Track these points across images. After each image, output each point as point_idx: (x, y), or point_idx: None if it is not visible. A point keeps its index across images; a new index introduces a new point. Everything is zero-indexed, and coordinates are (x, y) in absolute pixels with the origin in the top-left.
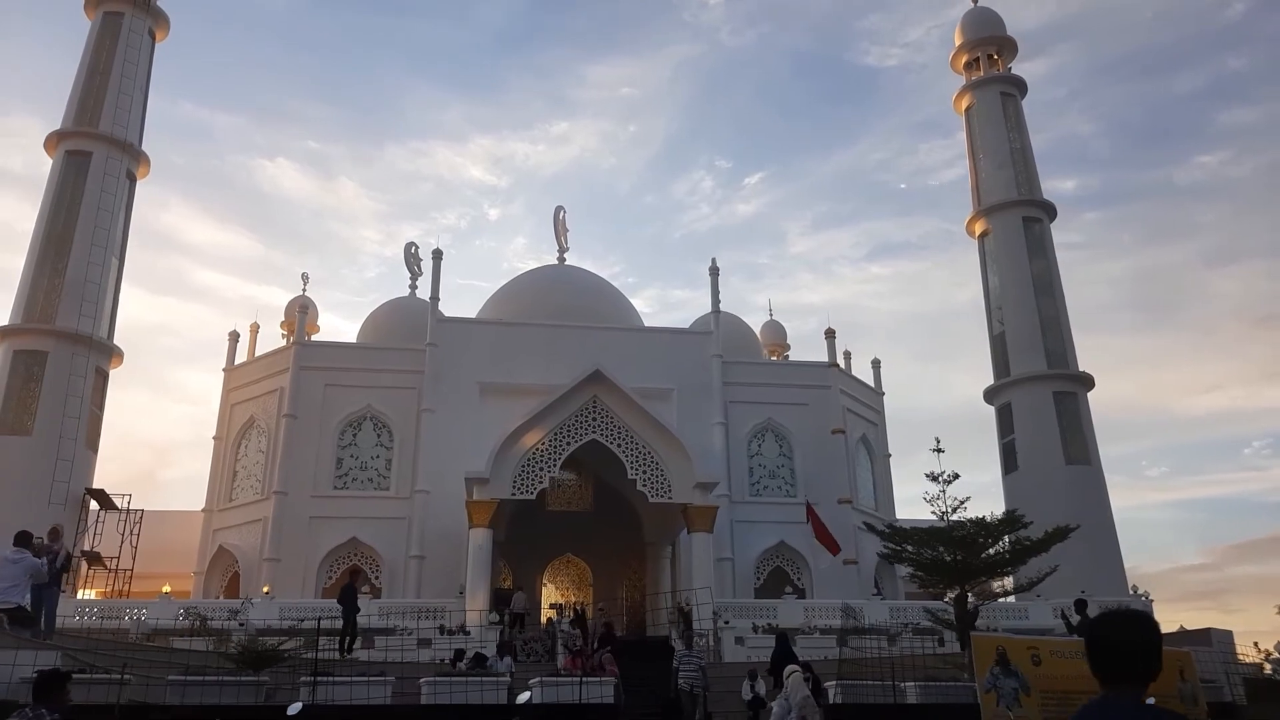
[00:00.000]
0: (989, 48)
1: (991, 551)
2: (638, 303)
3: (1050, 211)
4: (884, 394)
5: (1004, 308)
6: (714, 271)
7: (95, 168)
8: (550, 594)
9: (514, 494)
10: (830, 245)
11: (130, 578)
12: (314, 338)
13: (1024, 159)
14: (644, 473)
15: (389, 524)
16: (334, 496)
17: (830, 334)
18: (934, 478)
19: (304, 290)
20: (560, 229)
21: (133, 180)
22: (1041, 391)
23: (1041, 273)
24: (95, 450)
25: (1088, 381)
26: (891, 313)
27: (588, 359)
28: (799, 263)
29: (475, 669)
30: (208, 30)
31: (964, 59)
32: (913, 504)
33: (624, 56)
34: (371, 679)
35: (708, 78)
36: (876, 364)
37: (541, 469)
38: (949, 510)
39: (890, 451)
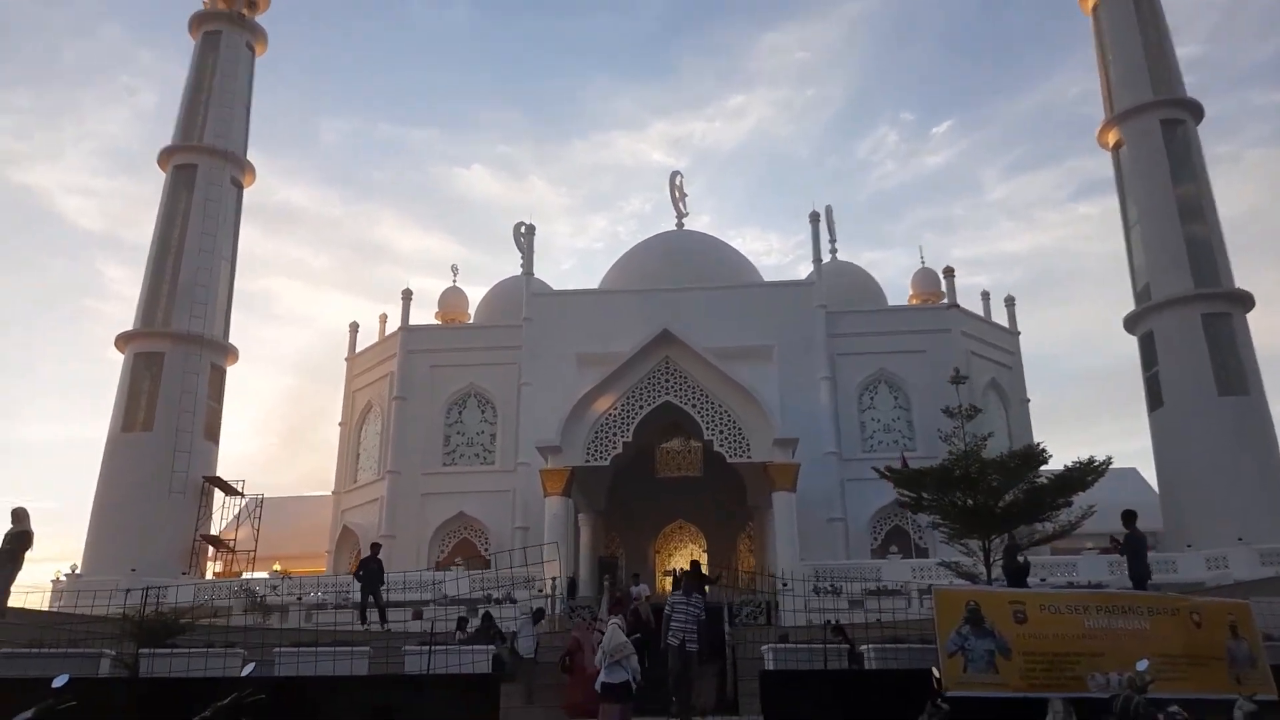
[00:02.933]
0: None
1: (1009, 496)
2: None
3: (1195, 111)
4: (1019, 334)
5: (1142, 223)
6: (814, 218)
7: (201, 178)
8: (665, 560)
9: (588, 461)
10: (1030, 188)
11: (254, 559)
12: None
13: (1161, 55)
14: (720, 433)
15: (494, 497)
16: (442, 473)
17: (949, 272)
18: (949, 412)
19: (454, 281)
20: (679, 194)
21: (239, 188)
22: (1188, 314)
23: (1184, 181)
24: (216, 441)
25: (1244, 300)
26: (1104, 255)
27: (681, 321)
28: (998, 210)
29: (477, 635)
30: (395, 50)
31: None
32: (1063, 451)
33: (796, 21)
34: (355, 649)
35: (884, 31)
36: (1010, 301)
37: (615, 434)
38: (968, 449)
39: (1029, 396)
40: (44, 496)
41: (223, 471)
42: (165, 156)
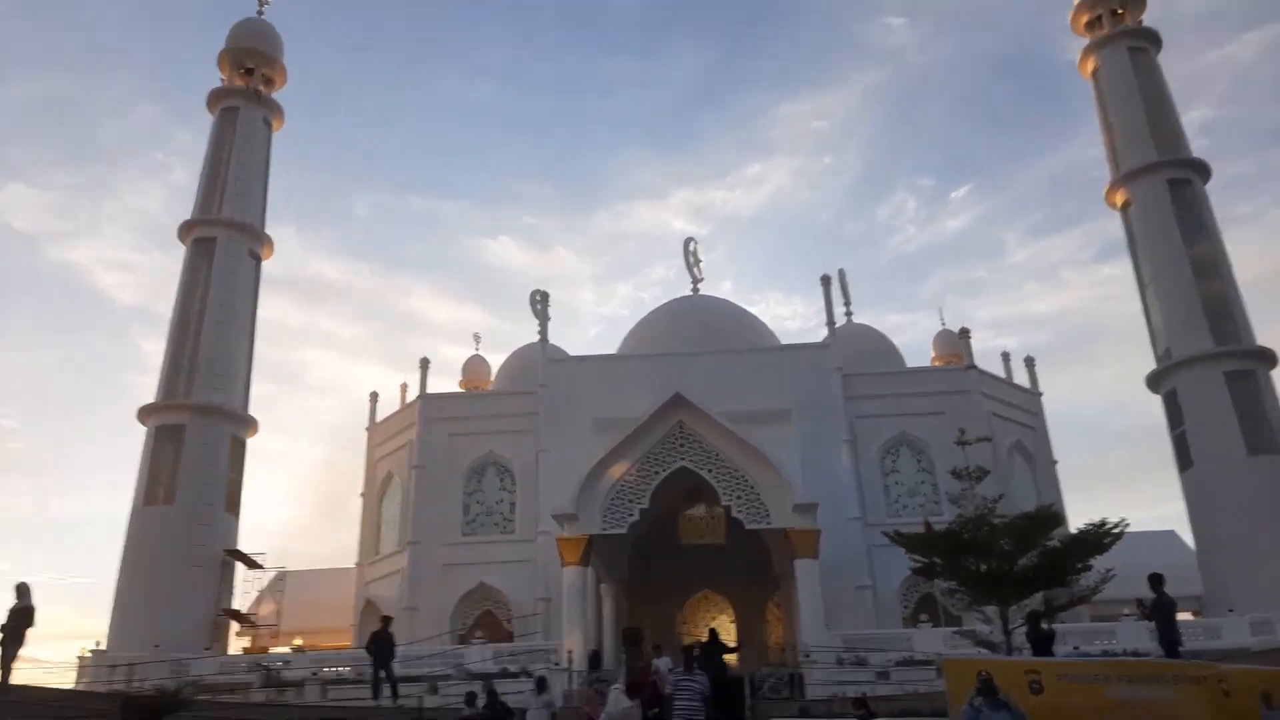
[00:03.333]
0: (1110, 3)
1: (1024, 561)
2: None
3: (1202, 171)
4: (1041, 394)
5: (1156, 282)
6: (825, 281)
7: (220, 250)
8: (692, 631)
9: (604, 529)
10: (1053, 250)
11: (276, 634)
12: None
13: (1163, 116)
14: (738, 498)
15: (515, 567)
16: (463, 543)
17: (965, 333)
18: (957, 474)
19: (477, 349)
20: (693, 260)
21: (257, 260)
22: (1210, 373)
23: (1196, 239)
24: (236, 514)
25: (1268, 358)
26: (1133, 314)
27: (696, 385)
28: (1021, 272)
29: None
30: (424, 125)
31: (1085, 18)
32: (1096, 514)
33: (812, 91)
34: None
35: (899, 99)
36: (1030, 362)
37: (631, 501)
38: (980, 512)
39: (1057, 458)
40: (83, 572)
41: (257, 543)
42: (185, 230)
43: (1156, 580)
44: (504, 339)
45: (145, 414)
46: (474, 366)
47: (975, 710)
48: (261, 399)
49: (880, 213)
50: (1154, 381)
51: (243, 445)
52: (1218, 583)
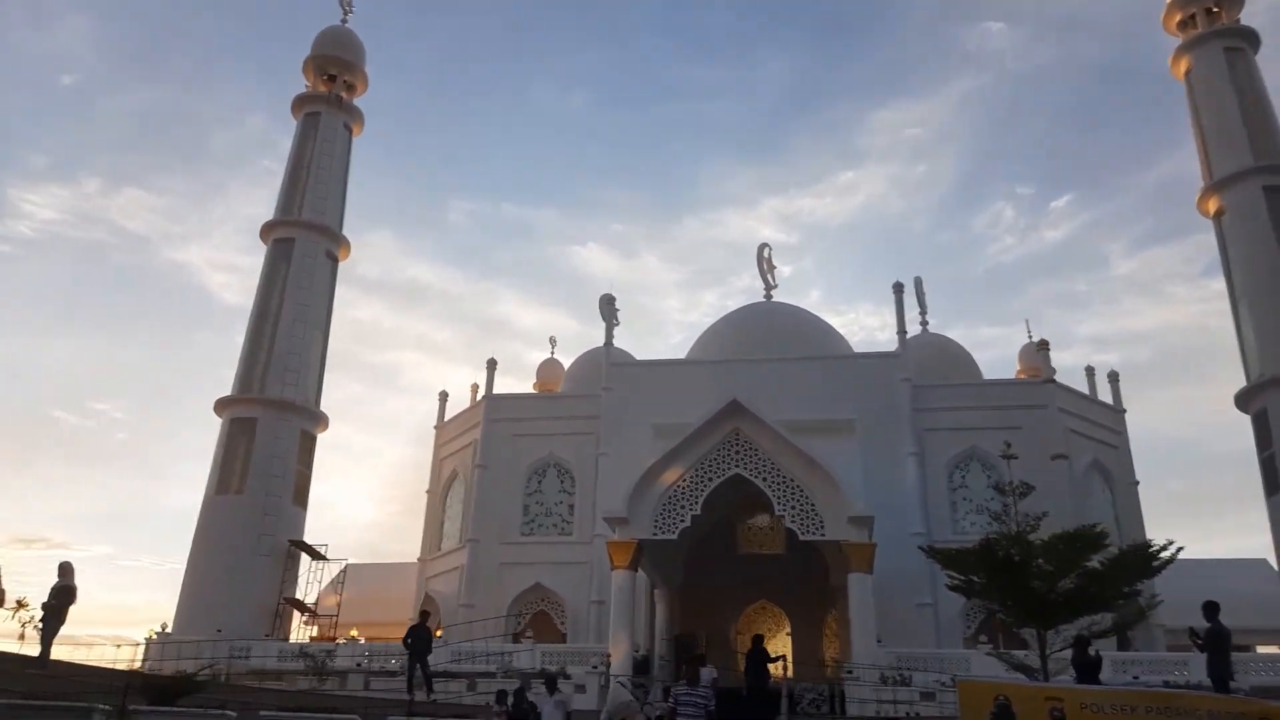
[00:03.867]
0: (1205, 1)
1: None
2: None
3: None
4: (1125, 411)
5: (1248, 295)
6: (898, 289)
7: (298, 251)
8: (747, 642)
9: (655, 534)
10: (1159, 263)
11: (335, 623)
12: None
13: (1261, 119)
14: (792, 508)
15: (571, 569)
16: (521, 543)
17: (1044, 345)
18: (1000, 489)
19: (552, 353)
20: (767, 266)
21: (334, 260)
22: None
23: None
24: (304, 506)
25: None
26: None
27: (759, 393)
28: (1125, 286)
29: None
30: (518, 133)
31: (1177, 17)
32: (1181, 539)
33: (907, 98)
34: (343, 717)
35: (997, 106)
36: (1114, 377)
37: (683, 507)
38: (1021, 530)
39: (1138, 478)
40: (183, 559)
41: (342, 537)
42: (266, 230)
43: (1211, 609)
44: (587, 344)
45: (221, 406)
46: (548, 369)
47: None
48: (356, 398)
49: (976, 222)
50: (1243, 400)
51: (313, 440)
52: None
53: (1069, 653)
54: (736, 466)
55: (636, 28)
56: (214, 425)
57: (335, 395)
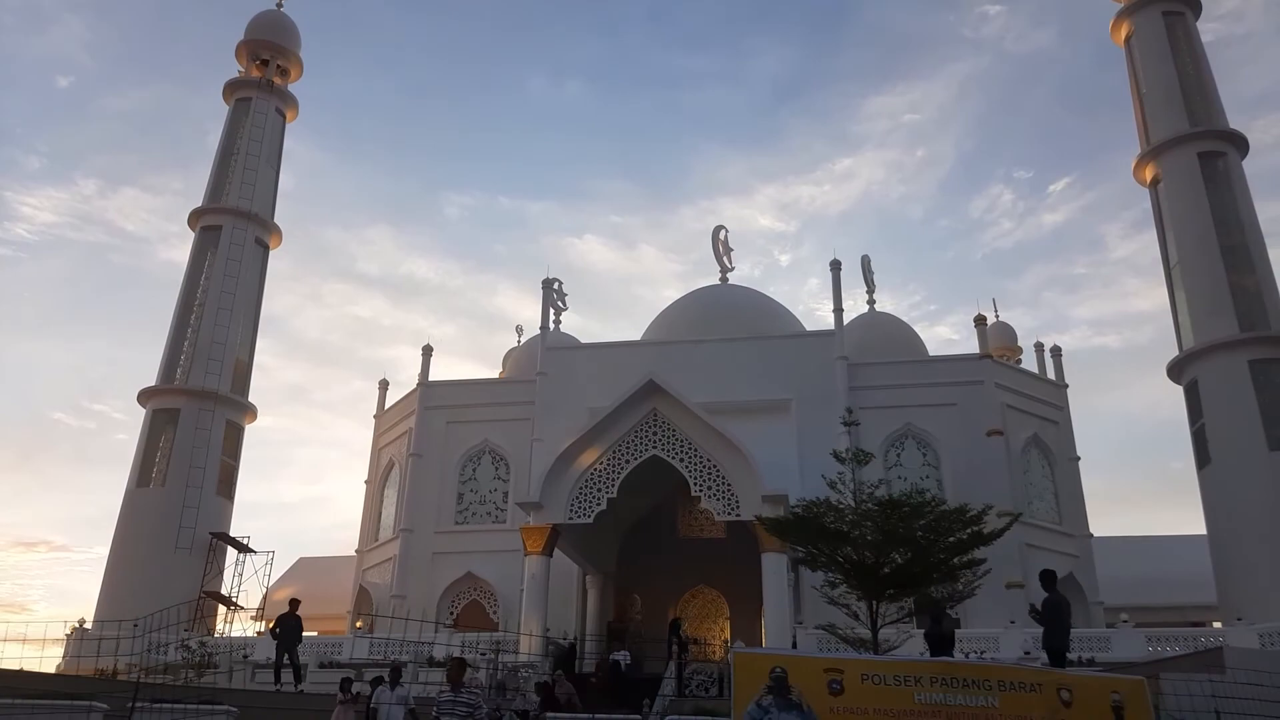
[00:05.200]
0: None
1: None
2: (943, 330)
3: (1238, 143)
4: (1067, 386)
5: (1181, 264)
6: (835, 266)
7: (225, 238)
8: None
9: (570, 518)
10: (1158, 245)
11: (261, 617)
12: None
13: (1199, 86)
14: (709, 489)
15: (504, 557)
16: (454, 532)
17: (980, 320)
18: (839, 457)
19: (519, 341)
20: (723, 249)
21: (265, 247)
22: (1233, 361)
23: (1226, 215)
24: (230, 498)
25: None
26: None
27: (695, 373)
28: (1123, 268)
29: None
30: (513, 126)
31: None
32: (1129, 516)
33: (904, 83)
34: (214, 707)
35: (996, 89)
36: (1056, 352)
37: (600, 490)
38: (860, 498)
39: (1079, 454)
40: None
41: (348, 533)
42: (194, 218)
43: (1047, 577)
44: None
45: (145, 397)
46: (514, 359)
47: (763, 710)
48: (359, 395)
49: (974, 207)
50: (1175, 372)
51: (240, 430)
52: (1231, 590)
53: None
54: (655, 448)
55: (628, 18)
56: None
57: (339, 392)
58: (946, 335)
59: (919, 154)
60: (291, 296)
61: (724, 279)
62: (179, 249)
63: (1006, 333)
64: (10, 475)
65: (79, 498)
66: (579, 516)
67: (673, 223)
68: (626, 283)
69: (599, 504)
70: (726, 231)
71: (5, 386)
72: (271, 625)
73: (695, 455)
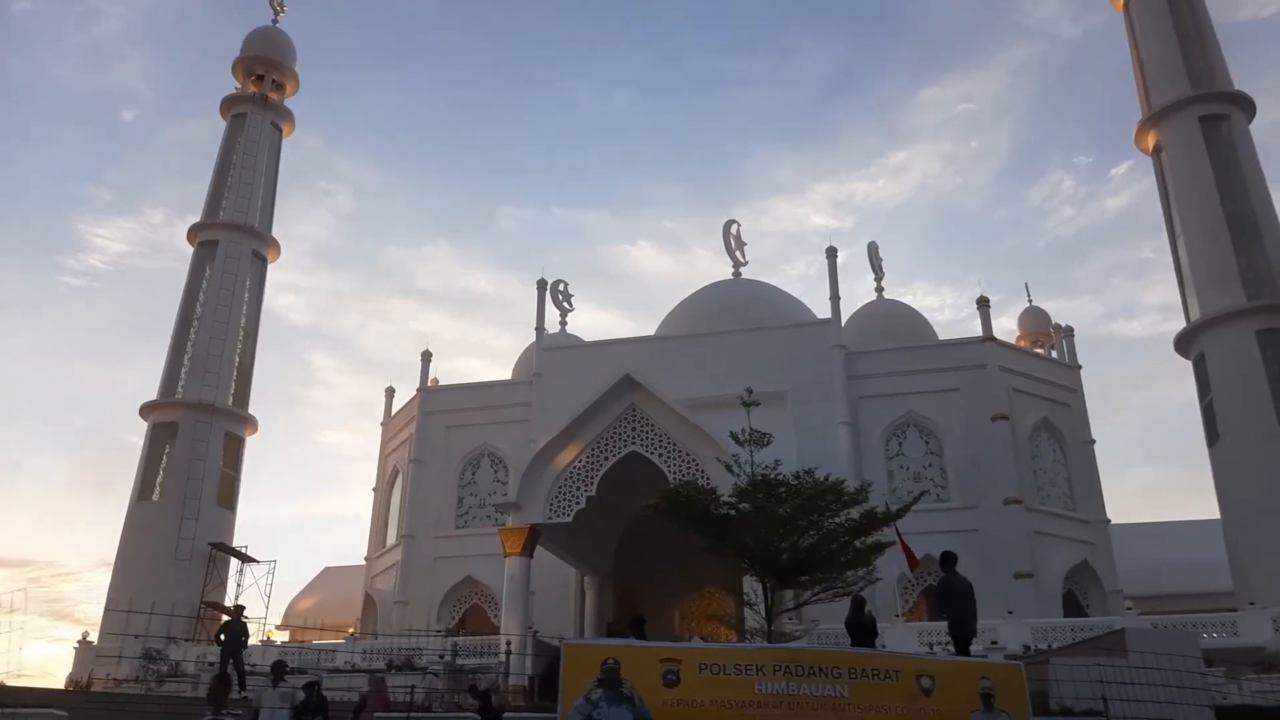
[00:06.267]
0: None
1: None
2: (1004, 320)
3: (1244, 105)
4: (1080, 368)
5: (1186, 234)
6: (831, 253)
7: (221, 253)
8: (687, 631)
9: (550, 518)
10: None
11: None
12: None
13: (1200, 47)
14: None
15: (503, 560)
16: (454, 536)
17: (983, 302)
18: (736, 438)
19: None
20: (735, 244)
21: (263, 261)
22: (1240, 332)
23: (1231, 181)
24: (232, 509)
25: None
26: None
27: (689, 369)
28: None
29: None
30: (564, 135)
31: None
32: (1146, 501)
33: (956, 73)
34: (44, 710)
35: (1052, 75)
36: (1068, 331)
37: (579, 489)
38: (757, 480)
39: (1094, 437)
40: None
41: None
42: (192, 233)
43: (947, 559)
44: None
45: (146, 411)
46: (519, 361)
47: (591, 705)
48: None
49: (1034, 195)
50: (1183, 345)
51: (240, 442)
52: (1245, 573)
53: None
54: (633, 444)
55: (673, 23)
56: (291, 444)
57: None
58: (1009, 326)
59: (974, 144)
60: (356, 315)
61: (737, 273)
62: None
63: (1040, 318)
64: (92, 497)
65: None
66: (558, 516)
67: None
68: (681, 287)
69: (578, 502)
70: (739, 226)
71: (85, 412)
72: (216, 633)
73: (674, 450)
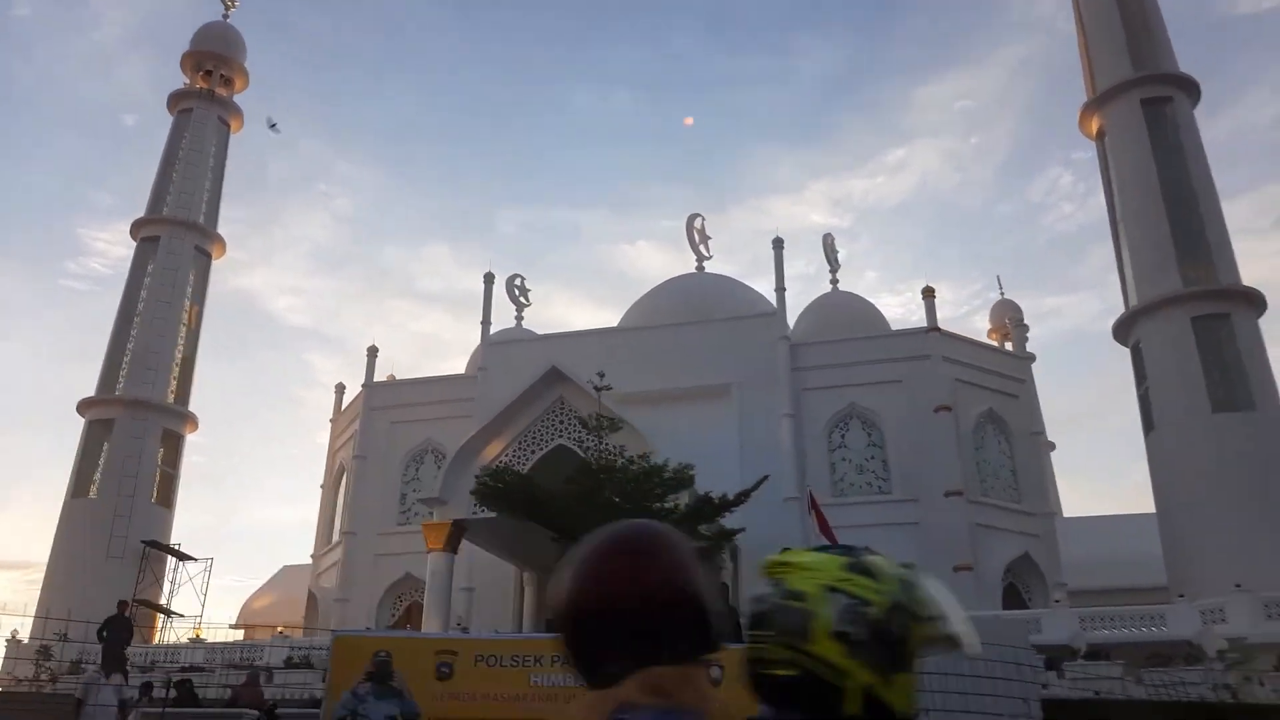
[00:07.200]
0: None
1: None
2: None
3: (1187, 87)
4: (1032, 359)
5: (1124, 219)
6: (777, 244)
7: (161, 248)
8: None
9: (475, 513)
10: (1229, 218)
11: (200, 624)
12: None
13: (1143, 25)
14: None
15: None
16: (396, 533)
17: (929, 292)
18: (585, 424)
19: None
20: (699, 237)
21: (206, 255)
22: (1175, 318)
23: (1173, 165)
24: (169, 506)
25: (1249, 299)
26: None
27: (636, 361)
28: None
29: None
30: (562, 137)
31: None
32: (1105, 497)
33: (954, 70)
34: None
35: (1050, 70)
36: (1017, 323)
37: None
38: (605, 465)
39: (1039, 428)
40: (261, 573)
41: None
42: (135, 229)
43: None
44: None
45: (83, 407)
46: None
47: (358, 699)
48: None
49: (1033, 191)
50: (1121, 332)
51: (178, 439)
52: (1179, 562)
53: None
54: (560, 437)
55: (671, 23)
56: (288, 443)
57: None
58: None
59: (973, 141)
60: (357, 318)
61: (700, 267)
62: (246, 276)
63: (1011, 311)
64: None
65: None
66: (483, 511)
67: (724, 224)
68: (683, 286)
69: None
70: (703, 220)
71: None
72: (100, 628)
73: (600, 444)
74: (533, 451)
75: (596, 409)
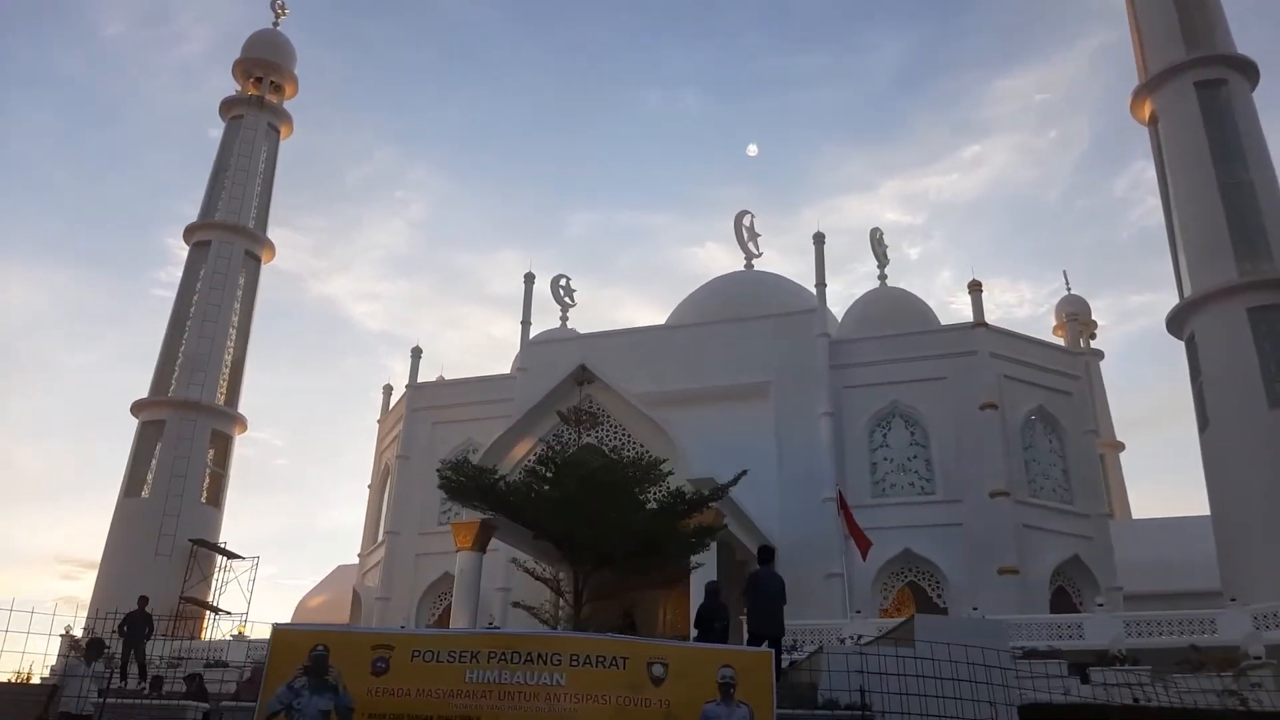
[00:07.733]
0: None
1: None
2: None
3: (1245, 69)
4: (1084, 354)
5: (1178, 206)
6: (818, 239)
7: (213, 252)
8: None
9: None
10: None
11: (246, 621)
12: None
13: (1198, 6)
14: None
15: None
16: (435, 533)
17: (975, 287)
18: (563, 416)
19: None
20: (748, 234)
21: (256, 260)
22: (1231, 310)
23: (1229, 150)
24: (219, 506)
25: None
26: None
27: (672, 360)
28: None
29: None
30: (632, 140)
31: None
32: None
33: (1030, 63)
34: None
35: (1130, 60)
36: (1073, 316)
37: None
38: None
39: (1093, 426)
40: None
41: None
42: (187, 234)
43: (763, 554)
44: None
45: (137, 409)
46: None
47: (293, 693)
48: None
49: (1117, 185)
50: (1175, 324)
51: (228, 440)
52: (1234, 565)
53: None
54: (588, 436)
55: (739, 23)
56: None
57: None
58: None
59: (1051, 135)
60: (431, 323)
61: (749, 265)
62: (327, 283)
63: (1078, 304)
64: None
65: (244, 520)
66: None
67: (794, 225)
68: (752, 289)
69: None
70: (752, 217)
71: None
72: (120, 623)
73: (630, 443)
74: (560, 451)
75: (590, 405)
